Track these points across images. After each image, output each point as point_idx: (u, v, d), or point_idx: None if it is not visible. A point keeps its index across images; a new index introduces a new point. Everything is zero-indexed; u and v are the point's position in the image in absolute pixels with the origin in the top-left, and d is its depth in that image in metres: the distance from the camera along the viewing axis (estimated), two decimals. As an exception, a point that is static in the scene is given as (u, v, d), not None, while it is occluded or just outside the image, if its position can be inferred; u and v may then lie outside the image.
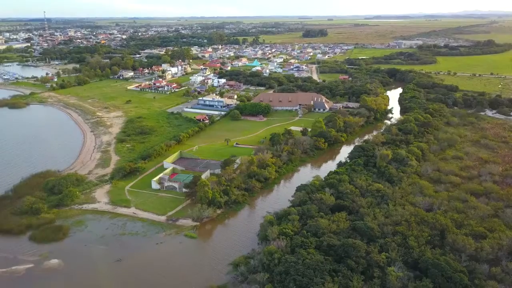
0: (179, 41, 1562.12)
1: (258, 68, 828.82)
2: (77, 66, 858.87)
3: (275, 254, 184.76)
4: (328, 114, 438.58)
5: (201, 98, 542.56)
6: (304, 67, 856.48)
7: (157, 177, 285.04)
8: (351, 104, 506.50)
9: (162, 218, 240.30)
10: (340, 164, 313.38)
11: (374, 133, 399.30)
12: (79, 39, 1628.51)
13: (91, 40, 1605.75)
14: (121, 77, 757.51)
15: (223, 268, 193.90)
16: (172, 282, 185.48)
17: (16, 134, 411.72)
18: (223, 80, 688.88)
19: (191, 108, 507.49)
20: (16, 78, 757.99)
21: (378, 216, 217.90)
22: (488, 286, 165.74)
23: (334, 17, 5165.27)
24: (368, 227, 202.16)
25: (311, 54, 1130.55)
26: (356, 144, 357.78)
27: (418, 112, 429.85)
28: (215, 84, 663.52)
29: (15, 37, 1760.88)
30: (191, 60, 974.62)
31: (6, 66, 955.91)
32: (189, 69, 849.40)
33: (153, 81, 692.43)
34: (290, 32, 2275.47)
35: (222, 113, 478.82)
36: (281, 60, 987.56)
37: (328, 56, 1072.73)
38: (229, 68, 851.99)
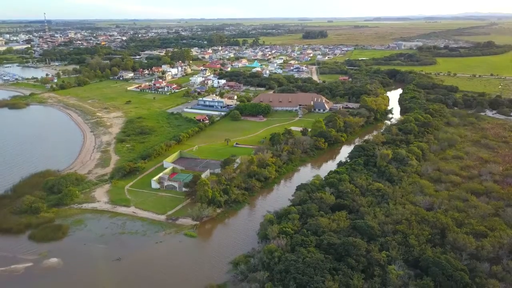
0: (179, 42, 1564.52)
1: (258, 69, 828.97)
2: (77, 67, 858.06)
3: (275, 253, 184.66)
4: (328, 114, 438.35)
5: (201, 98, 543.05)
6: (304, 68, 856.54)
7: (157, 177, 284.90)
8: (351, 105, 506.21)
9: (162, 217, 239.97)
10: (340, 164, 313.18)
11: (374, 133, 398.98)
12: (79, 41, 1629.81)
13: (91, 41, 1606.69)
14: (121, 78, 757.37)
15: (223, 266, 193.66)
16: (171, 280, 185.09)
17: (16, 134, 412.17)
18: (223, 81, 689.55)
19: (191, 108, 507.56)
20: (16, 79, 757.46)
21: (378, 215, 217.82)
22: (489, 285, 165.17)
23: (334, 19, 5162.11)
24: (369, 226, 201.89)
25: (311, 55, 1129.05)
26: (356, 144, 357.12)
27: (418, 112, 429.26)
28: (215, 85, 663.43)
29: (15, 38, 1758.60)
30: (191, 61, 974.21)
31: (6, 67, 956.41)
32: (189, 70, 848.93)
33: (153, 82, 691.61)
34: (290, 34, 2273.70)
35: (222, 113, 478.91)
36: (281, 61, 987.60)
37: (328, 57, 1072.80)
38: (229, 69, 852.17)
